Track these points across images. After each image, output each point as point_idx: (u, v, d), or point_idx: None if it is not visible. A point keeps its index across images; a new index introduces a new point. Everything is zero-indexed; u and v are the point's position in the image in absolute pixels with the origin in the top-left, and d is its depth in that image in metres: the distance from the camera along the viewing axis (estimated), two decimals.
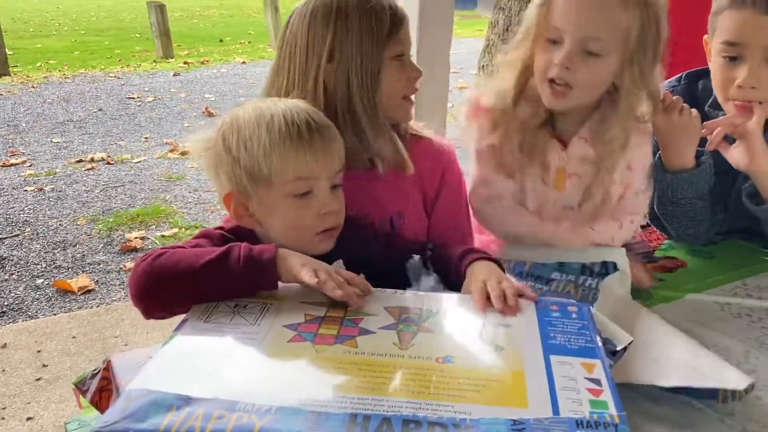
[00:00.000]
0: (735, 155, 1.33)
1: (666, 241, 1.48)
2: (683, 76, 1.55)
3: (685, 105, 1.29)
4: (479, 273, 1.02)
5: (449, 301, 0.99)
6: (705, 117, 1.37)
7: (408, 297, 0.99)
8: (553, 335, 0.89)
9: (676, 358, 0.97)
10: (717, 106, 1.42)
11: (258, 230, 1.10)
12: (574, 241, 1.27)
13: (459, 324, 0.92)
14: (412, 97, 1.26)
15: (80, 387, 1.00)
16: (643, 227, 1.52)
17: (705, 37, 1.43)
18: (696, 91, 1.49)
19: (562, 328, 0.90)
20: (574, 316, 0.94)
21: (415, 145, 1.28)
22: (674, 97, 1.29)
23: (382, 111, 1.18)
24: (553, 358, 0.83)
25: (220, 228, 1.10)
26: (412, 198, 1.28)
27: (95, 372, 1.01)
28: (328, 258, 1.04)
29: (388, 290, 1.00)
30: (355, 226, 1.16)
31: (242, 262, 0.93)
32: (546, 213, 1.31)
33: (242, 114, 1.07)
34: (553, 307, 0.96)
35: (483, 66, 4.73)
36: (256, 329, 0.87)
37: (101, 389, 1.03)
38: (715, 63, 1.37)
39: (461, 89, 6.89)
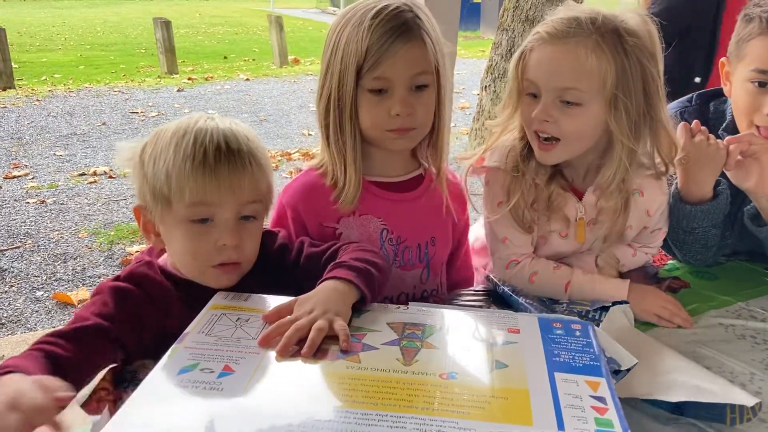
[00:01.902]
0: (739, 174, 1.32)
1: (670, 261, 1.48)
2: (694, 96, 1.53)
3: (711, 135, 1.28)
4: (306, 298, 0.92)
5: (452, 316, 0.98)
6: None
7: (411, 312, 0.98)
8: (557, 352, 0.88)
9: (681, 379, 0.96)
10: (732, 130, 1.40)
11: (158, 262, 1.04)
12: (587, 289, 1.25)
13: (463, 340, 0.91)
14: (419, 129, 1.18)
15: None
16: None
17: (722, 60, 1.42)
18: (707, 113, 1.48)
19: (566, 346, 0.90)
20: (577, 333, 0.94)
21: (451, 177, 1.32)
22: (702, 128, 1.28)
23: (357, 136, 1.16)
24: (558, 376, 0.82)
25: (117, 277, 1.01)
26: (444, 225, 1.31)
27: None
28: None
29: (391, 305, 1.00)
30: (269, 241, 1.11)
31: None
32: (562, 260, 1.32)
33: (167, 126, 1.01)
34: (557, 325, 0.96)
35: (485, 87, 4.76)
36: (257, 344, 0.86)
37: (99, 399, 1.01)
38: (741, 89, 1.36)
39: (462, 109, 6.92)
